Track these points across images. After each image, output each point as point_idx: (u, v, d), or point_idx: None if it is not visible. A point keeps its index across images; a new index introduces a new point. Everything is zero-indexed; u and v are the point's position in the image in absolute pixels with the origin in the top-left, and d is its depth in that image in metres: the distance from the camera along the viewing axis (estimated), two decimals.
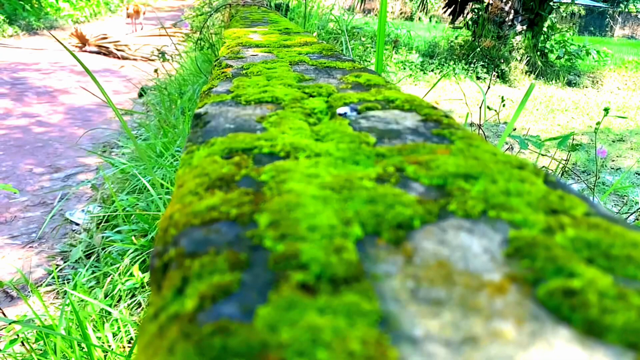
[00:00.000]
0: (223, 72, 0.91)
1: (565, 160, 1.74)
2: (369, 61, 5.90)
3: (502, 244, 0.33)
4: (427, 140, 0.54)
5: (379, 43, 1.04)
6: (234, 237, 0.34)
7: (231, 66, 0.99)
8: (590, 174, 3.52)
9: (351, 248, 0.32)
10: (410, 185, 0.42)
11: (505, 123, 3.68)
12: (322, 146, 0.51)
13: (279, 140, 0.53)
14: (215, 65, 1.04)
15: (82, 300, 2.00)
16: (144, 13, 10.19)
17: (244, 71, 0.93)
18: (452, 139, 0.54)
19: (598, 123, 1.54)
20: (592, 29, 14.27)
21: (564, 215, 0.37)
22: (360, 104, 0.70)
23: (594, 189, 1.35)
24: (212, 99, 0.72)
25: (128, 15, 10.19)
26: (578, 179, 2.02)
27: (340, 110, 0.65)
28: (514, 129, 4.47)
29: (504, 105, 1.80)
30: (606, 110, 1.48)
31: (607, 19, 14.85)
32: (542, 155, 1.64)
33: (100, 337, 1.92)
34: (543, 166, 1.86)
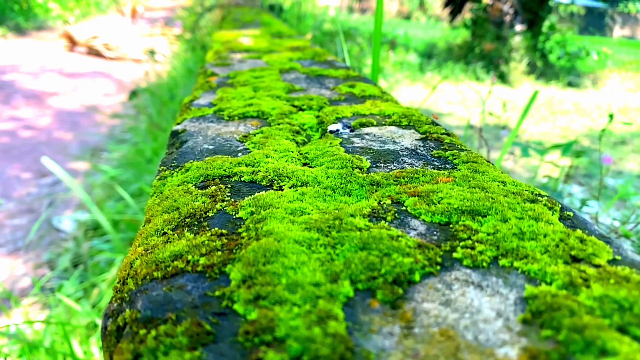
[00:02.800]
0: (207, 82, 0.85)
1: (569, 167, 1.69)
2: (365, 63, 5.85)
3: (518, 304, 0.28)
4: (427, 164, 0.49)
5: (375, 51, 0.99)
6: (199, 297, 0.28)
7: (217, 74, 0.93)
8: (592, 178, 3.49)
9: (339, 315, 0.26)
10: (409, 223, 0.37)
11: (505, 127, 3.64)
12: (309, 173, 0.46)
13: (261, 166, 0.47)
14: (201, 73, 0.98)
15: (69, 310, 1.94)
16: (140, 14, 10.09)
17: (230, 80, 0.87)
18: (455, 163, 0.49)
19: (603, 130, 1.50)
20: (591, 29, 14.32)
21: (587, 264, 0.32)
22: (353, 119, 0.65)
23: (598, 197, 1.31)
24: (192, 113, 0.66)
25: (124, 14, 10.09)
26: (582, 185, 1.98)
27: (332, 127, 0.60)
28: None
29: (505, 111, 1.75)
30: (611, 116, 1.44)
31: (607, 19, 14.92)
32: (544, 161, 1.59)
33: (86, 352, 1.85)
34: (547, 175, 1.82)
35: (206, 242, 0.33)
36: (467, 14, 8.64)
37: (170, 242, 0.35)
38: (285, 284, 0.28)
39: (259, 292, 0.27)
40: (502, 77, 7.27)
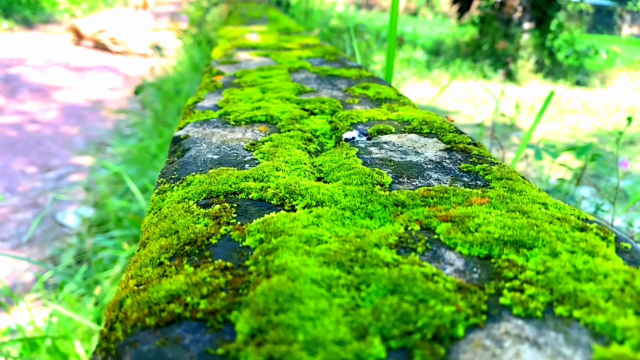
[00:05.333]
0: (213, 81, 0.80)
1: (582, 169, 1.63)
2: (373, 60, 5.76)
3: None
4: (456, 180, 0.44)
5: (390, 51, 0.93)
6: (199, 355, 0.23)
7: (223, 73, 0.88)
8: (600, 178, 3.41)
9: None
10: (443, 256, 0.32)
11: (512, 126, 3.58)
12: (325, 189, 0.41)
13: (271, 181, 0.42)
14: (206, 71, 0.93)
15: (71, 307, 1.91)
16: (151, 7, 10.05)
17: (237, 80, 0.82)
18: (488, 179, 0.44)
19: (621, 133, 1.44)
20: (600, 27, 14.11)
21: None
22: (370, 125, 0.60)
23: (614, 202, 1.26)
24: (196, 116, 0.61)
25: (136, 8, 10.05)
26: (598, 189, 1.92)
27: (347, 134, 0.55)
28: (521, 129, 4.37)
29: (518, 113, 1.69)
30: (629, 119, 1.37)
31: (616, 18, 14.69)
32: (555, 162, 1.53)
33: (88, 351, 1.83)
34: (560, 179, 1.75)
35: (208, 278, 0.29)
36: (475, 12, 8.52)
37: (166, 276, 0.30)
38: (302, 341, 0.23)
39: (272, 352, 0.22)
40: (510, 75, 7.17)
